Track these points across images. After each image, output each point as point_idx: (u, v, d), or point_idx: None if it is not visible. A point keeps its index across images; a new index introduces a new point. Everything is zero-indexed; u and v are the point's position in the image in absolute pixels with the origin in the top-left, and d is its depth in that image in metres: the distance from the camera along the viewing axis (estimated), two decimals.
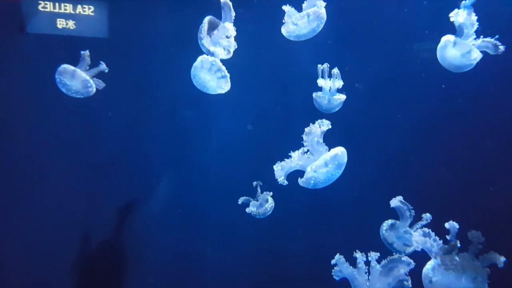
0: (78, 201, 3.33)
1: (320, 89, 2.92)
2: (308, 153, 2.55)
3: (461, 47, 2.55)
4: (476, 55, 2.56)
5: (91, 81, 2.93)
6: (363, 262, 2.54)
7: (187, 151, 3.42)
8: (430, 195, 3.11)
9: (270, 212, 3.12)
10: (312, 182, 2.50)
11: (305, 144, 2.54)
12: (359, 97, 3.06)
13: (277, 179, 2.54)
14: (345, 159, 2.51)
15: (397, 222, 2.79)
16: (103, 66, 2.96)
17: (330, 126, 2.49)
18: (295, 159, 2.53)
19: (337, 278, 2.57)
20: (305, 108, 3.00)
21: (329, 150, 2.52)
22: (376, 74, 3.19)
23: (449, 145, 3.15)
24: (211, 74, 2.82)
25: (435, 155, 3.18)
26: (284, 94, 3.32)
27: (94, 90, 2.96)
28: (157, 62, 3.30)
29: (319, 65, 2.85)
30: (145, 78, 3.33)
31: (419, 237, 2.30)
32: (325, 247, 3.18)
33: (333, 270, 2.58)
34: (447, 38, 2.61)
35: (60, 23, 3.02)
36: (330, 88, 2.88)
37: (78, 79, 2.91)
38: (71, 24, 3.03)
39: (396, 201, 2.70)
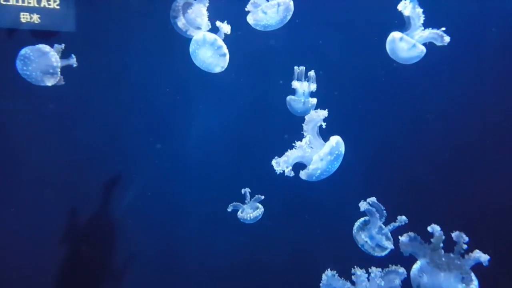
0: (56, 198, 3.25)
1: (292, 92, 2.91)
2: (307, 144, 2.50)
3: (407, 41, 2.63)
4: (422, 48, 2.65)
5: (58, 70, 2.77)
6: (366, 279, 2.52)
7: (165, 144, 3.36)
8: (410, 193, 3.16)
9: (260, 217, 3.09)
10: (319, 172, 2.46)
11: (305, 133, 2.50)
12: (332, 94, 3.05)
13: (282, 171, 2.48)
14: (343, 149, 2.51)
15: (370, 222, 2.83)
16: (73, 60, 2.83)
17: (327, 114, 2.48)
18: (303, 147, 2.48)
19: None
20: (278, 104, 2.99)
21: None
22: (348, 68, 3.19)
23: (429, 139, 3.20)
24: (212, 50, 2.76)
25: (415, 150, 3.22)
26: (257, 88, 3.30)
27: (51, 82, 2.80)
28: (129, 54, 3.21)
29: (295, 67, 2.84)
30: (117, 72, 3.23)
31: (406, 242, 2.32)
32: (309, 245, 3.22)
33: (321, 284, 2.58)
34: (394, 34, 2.67)
35: (24, 17, 2.86)
36: (304, 91, 2.87)
37: (44, 62, 2.75)
38: (35, 18, 2.88)
39: (365, 205, 2.73)
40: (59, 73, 2.82)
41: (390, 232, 2.77)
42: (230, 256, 3.35)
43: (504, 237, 2.94)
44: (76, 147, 3.26)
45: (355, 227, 2.85)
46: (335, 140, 2.45)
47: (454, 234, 2.22)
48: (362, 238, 2.82)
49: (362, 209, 2.73)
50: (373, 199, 2.75)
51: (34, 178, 3.22)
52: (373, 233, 2.81)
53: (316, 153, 2.44)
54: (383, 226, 2.79)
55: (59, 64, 2.80)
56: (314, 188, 2.67)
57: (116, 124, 3.30)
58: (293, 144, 2.50)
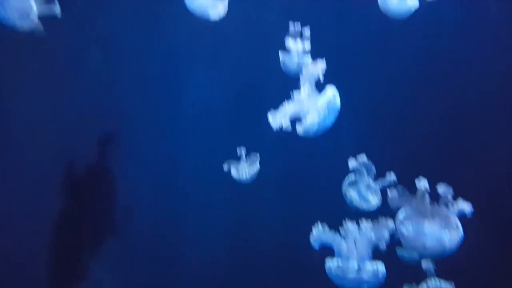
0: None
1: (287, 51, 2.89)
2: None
3: None
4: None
5: (36, 13, 2.69)
6: (356, 232, 2.62)
7: (156, 102, 3.32)
8: (400, 148, 3.17)
9: (256, 175, 3.10)
10: (316, 126, 2.48)
11: (302, 87, 2.52)
12: (327, 50, 3.03)
13: (279, 126, 2.49)
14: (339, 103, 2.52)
15: (358, 178, 2.90)
16: (56, 8, 2.75)
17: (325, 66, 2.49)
18: (300, 100, 2.48)
19: (316, 247, 2.64)
20: (272, 61, 2.90)
21: None
22: (342, 23, 3.16)
23: (425, 95, 3.18)
24: None
25: (409, 107, 3.21)
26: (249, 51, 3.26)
27: (28, 26, 2.73)
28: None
29: (290, 25, 2.77)
30: (104, 26, 3.16)
31: (394, 196, 2.42)
32: (301, 200, 3.25)
33: (311, 236, 2.64)
34: None
35: None
36: (298, 49, 2.84)
37: (22, 4, 2.68)
38: None
39: (354, 162, 2.81)
40: (37, 17, 2.73)
41: (379, 188, 2.85)
42: (222, 213, 3.36)
43: (490, 191, 3.01)
44: (67, 107, 3.21)
45: (344, 183, 2.93)
46: (332, 93, 2.47)
47: (440, 187, 2.32)
48: (351, 193, 2.91)
49: (351, 166, 2.82)
50: (362, 156, 2.83)
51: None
52: (361, 189, 2.91)
53: (313, 106, 2.47)
54: (372, 182, 2.88)
55: (37, 7, 2.72)
56: (309, 143, 2.70)
57: (105, 81, 3.24)
58: (289, 99, 2.50)
